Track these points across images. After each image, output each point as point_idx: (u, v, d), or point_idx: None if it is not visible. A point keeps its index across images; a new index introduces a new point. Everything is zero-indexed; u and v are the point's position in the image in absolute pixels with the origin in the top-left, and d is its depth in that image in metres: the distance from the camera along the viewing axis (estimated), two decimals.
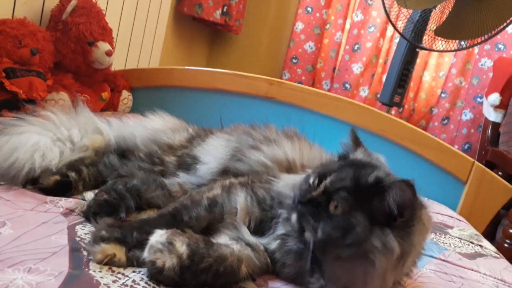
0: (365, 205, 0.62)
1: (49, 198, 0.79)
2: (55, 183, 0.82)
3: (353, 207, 0.61)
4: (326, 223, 0.61)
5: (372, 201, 0.62)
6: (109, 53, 1.57)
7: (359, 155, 0.72)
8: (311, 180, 0.67)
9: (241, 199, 0.73)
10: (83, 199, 0.83)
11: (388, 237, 0.61)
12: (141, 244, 0.61)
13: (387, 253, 0.60)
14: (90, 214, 0.74)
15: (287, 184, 0.74)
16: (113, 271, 0.58)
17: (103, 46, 1.56)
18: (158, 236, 0.59)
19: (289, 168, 0.85)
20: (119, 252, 0.60)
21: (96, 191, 0.83)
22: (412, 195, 0.61)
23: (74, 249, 0.62)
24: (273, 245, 0.68)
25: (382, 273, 0.61)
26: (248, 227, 0.71)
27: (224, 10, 2.70)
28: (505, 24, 1.90)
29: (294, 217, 0.65)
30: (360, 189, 0.63)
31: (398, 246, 0.61)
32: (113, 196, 0.79)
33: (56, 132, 0.93)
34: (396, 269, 0.64)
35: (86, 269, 0.57)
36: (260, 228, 0.72)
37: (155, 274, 0.57)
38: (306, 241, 0.63)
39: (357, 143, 0.75)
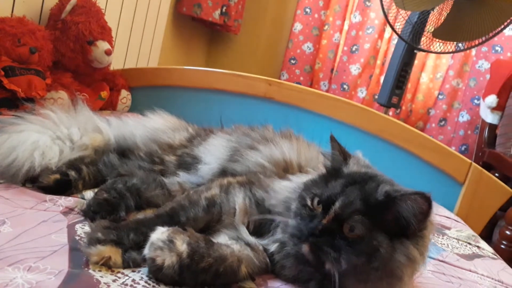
0: (380, 222, 0.61)
1: (48, 196, 0.79)
2: (55, 182, 0.82)
3: (370, 228, 0.60)
4: (348, 252, 0.60)
5: (385, 216, 0.61)
6: (108, 52, 1.57)
7: (353, 167, 0.70)
8: (308, 202, 0.65)
9: (239, 200, 0.73)
10: (83, 198, 0.83)
11: (409, 248, 0.61)
12: (138, 245, 0.61)
13: (411, 263, 0.61)
14: (89, 213, 0.74)
15: (280, 194, 0.73)
16: (112, 271, 0.58)
17: (102, 45, 1.56)
18: (159, 234, 0.59)
19: (286, 168, 0.85)
20: (115, 254, 0.60)
21: (96, 190, 0.83)
22: (429, 207, 0.61)
23: (74, 248, 0.62)
24: (272, 247, 0.68)
25: (407, 282, 0.63)
26: (247, 228, 0.71)
27: (223, 10, 2.70)
28: (502, 26, 1.91)
29: (306, 249, 0.62)
30: (371, 208, 0.61)
31: (418, 253, 0.62)
32: (113, 195, 0.79)
33: (55, 130, 0.93)
34: (415, 272, 0.65)
35: (86, 268, 0.57)
36: (258, 229, 0.72)
37: (155, 271, 0.57)
38: (326, 273, 0.61)
39: (345, 154, 0.72)
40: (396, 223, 0.61)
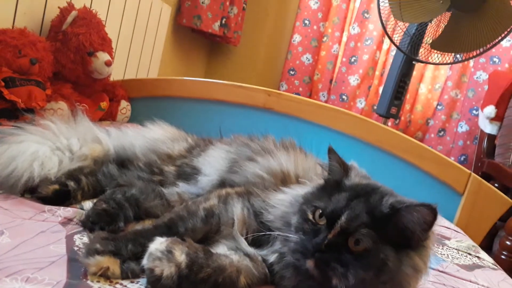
0: (386, 235, 0.61)
1: (47, 207, 0.79)
2: (54, 192, 0.82)
3: (376, 241, 0.60)
4: (355, 267, 0.59)
5: (390, 228, 0.61)
6: (108, 63, 1.58)
7: (354, 179, 0.69)
8: (310, 216, 0.65)
9: (238, 210, 0.73)
10: (82, 209, 0.83)
11: (414, 259, 0.61)
12: (136, 256, 0.61)
13: (417, 274, 0.62)
14: (88, 224, 0.74)
15: (277, 210, 0.72)
16: (111, 281, 0.58)
17: (103, 56, 1.57)
18: (158, 244, 0.59)
19: (284, 179, 0.85)
20: (113, 265, 0.59)
21: (95, 200, 0.83)
22: (434, 218, 0.61)
23: (72, 258, 0.61)
24: (272, 258, 0.68)
25: None
26: (246, 239, 0.70)
27: (223, 22, 2.73)
28: (499, 38, 1.93)
29: (310, 264, 0.61)
30: (377, 220, 0.61)
31: (422, 263, 0.62)
32: (112, 206, 0.79)
33: (55, 141, 0.93)
34: (420, 281, 0.65)
35: (84, 279, 0.57)
36: (257, 240, 0.71)
37: (153, 282, 0.56)
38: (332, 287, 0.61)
39: (345, 166, 0.71)
40: (401, 234, 0.61)
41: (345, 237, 0.60)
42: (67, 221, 0.76)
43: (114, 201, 0.80)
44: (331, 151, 0.72)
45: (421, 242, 0.63)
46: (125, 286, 0.57)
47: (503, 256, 1.69)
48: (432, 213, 0.60)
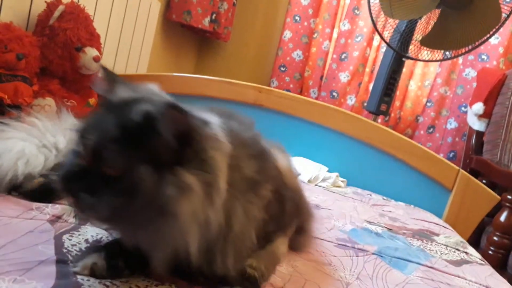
0: (143, 152, 0.51)
1: (35, 205, 0.78)
2: (39, 186, 0.81)
3: (130, 160, 0.50)
4: (104, 194, 0.50)
5: (149, 142, 0.51)
6: (96, 59, 1.56)
7: (121, 93, 0.57)
8: (74, 143, 0.55)
9: None
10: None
11: (181, 176, 0.51)
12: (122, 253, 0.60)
13: (187, 194, 0.51)
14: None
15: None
16: (100, 281, 0.57)
17: (91, 51, 1.55)
18: None
19: None
20: (99, 259, 0.58)
21: None
22: (184, 117, 0.51)
23: (61, 259, 0.61)
24: None
25: (190, 217, 0.52)
26: None
27: (213, 17, 2.71)
28: (488, 35, 1.95)
29: (70, 200, 0.54)
30: (131, 135, 0.51)
31: (197, 181, 0.52)
32: None
33: (41, 139, 0.92)
34: (210, 200, 0.54)
35: (74, 278, 0.56)
36: None
37: None
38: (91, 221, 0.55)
39: (111, 79, 0.60)
40: (164, 148, 0.51)
41: (97, 159, 0.51)
42: (55, 219, 0.75)
43: None
44: (102, 67, 0.62)
45: (196, 154, 0.53)
46: (115, 284, 0.57)
47: (490, 252, 1.71)
48: (177, 111, 0.51)
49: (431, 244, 1.21)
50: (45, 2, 1.50)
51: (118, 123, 0.51)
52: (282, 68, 3.08)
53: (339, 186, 1.74)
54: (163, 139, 0.50)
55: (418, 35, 2.16)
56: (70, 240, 0.68)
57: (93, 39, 1.58)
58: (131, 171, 0.50)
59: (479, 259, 1.19)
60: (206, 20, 2.60)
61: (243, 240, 0.61)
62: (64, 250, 0.64)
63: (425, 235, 1.30)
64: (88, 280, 0.56)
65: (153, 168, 0.51)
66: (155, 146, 0.51)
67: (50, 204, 0.79)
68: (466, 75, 2.75)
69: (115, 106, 0.54)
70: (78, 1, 1.63)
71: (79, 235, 0.71)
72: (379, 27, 2.16)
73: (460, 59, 2.76)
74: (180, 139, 0.52)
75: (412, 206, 1.72)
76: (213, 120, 0.59)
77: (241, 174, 0.61)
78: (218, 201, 0.55)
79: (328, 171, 1.78)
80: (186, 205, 0.51)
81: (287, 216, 0.76)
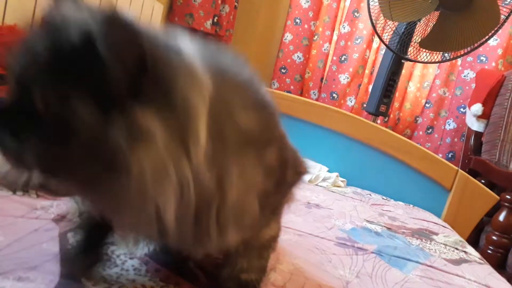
0: (83, 84, 0.37)
1: (39, 204, 0.79)
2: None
3: (64, 93, 0.37)
4: (30, 138, 0.39)
5: (91, 71, 0.37)
6: None
7: (65, 11, 0.41)
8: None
9: None
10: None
11: (135, 116, 0.37)
12: None
13: (145, 142, 0.37)
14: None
15: None
16: (105, 280, 0.58)
17: None
18: None
19: None
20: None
21: None
22: (133, 36, 0.36)
23: (66, 258, 0.62)
24: None
25: (152, 174, 0.38)
26: None
27: (215, 20, 2.73)
28: (486, 37, 1.96)
29: None
30: (66, 61, 0.37)
31: (160, 125, 0.38)
32: None
33: None
34: (184, 152, 0.39)
35: (78, 278, 0.57)
36: None
37: None
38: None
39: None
40: (110, 81, 0.37)
41: (23, 93, 0.40)
42: (60, 218, 0.76)
43: None
44: None
45: (154, 84, 0.38)
46: (121, 282, 0.58)
47: (489, 251, 1.72)
48: (117, 21, 0.35)
49: (430, 243, 1.22)
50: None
51: (50, 46, 0.38)
52: (282, 70, 3.10)
53: (339, 186, 1.75)
54: (108, 67, 0.36)
55: (417, 37, 2.17)
56: (74, 237, 0.70)
57: None
58: (65, 108, 0.37)
59: (478, 258, 1.20)
60: (208, 23, 2.62)
61: (243, 209, 0.46)
62: (69, 247, 0.66)
63: (424, 234, 1.31)
64: (92, 281, 0.57)
65: (96, 105, 0.37)
66: (98, 76, 0.36)
67: (55, 204, 0.81)
68: (465, 76, 2.76)
69: (52, 26, 0.40)
70: None
71: (82, 233, 0.72)
72: (379, 29, 2.18)
73: (459, 61, 2.77)
74: (133, 68, 0.37)
75: (411, 205, 1.73)
76: (188, 49, 0.42)
77: (234, 126, 0.44)
78: (197, 155, 0.40)
79: (328, 171, 1.80)
80: (143, 158, 0.37)
81: (287, 187, 0.60)
